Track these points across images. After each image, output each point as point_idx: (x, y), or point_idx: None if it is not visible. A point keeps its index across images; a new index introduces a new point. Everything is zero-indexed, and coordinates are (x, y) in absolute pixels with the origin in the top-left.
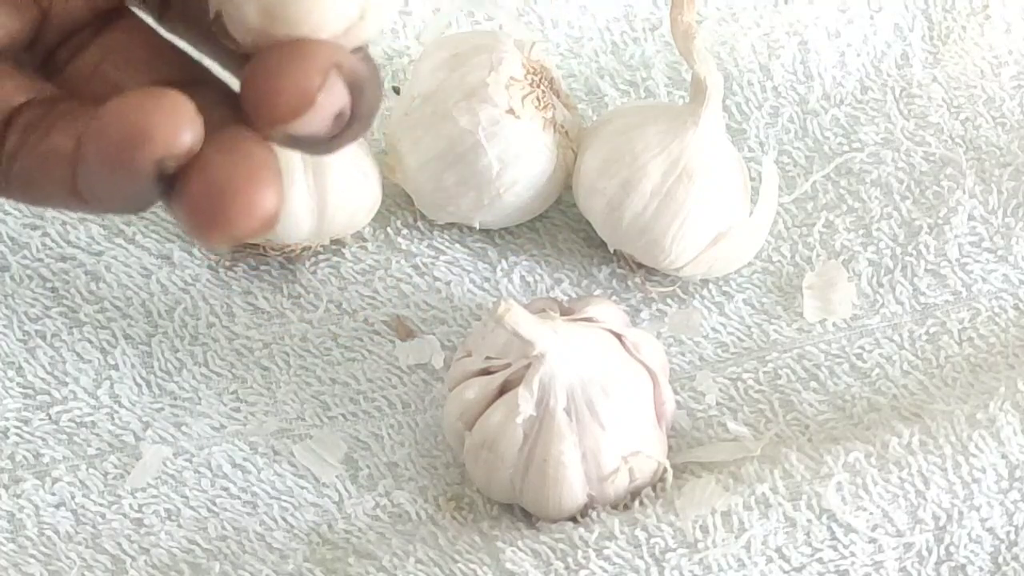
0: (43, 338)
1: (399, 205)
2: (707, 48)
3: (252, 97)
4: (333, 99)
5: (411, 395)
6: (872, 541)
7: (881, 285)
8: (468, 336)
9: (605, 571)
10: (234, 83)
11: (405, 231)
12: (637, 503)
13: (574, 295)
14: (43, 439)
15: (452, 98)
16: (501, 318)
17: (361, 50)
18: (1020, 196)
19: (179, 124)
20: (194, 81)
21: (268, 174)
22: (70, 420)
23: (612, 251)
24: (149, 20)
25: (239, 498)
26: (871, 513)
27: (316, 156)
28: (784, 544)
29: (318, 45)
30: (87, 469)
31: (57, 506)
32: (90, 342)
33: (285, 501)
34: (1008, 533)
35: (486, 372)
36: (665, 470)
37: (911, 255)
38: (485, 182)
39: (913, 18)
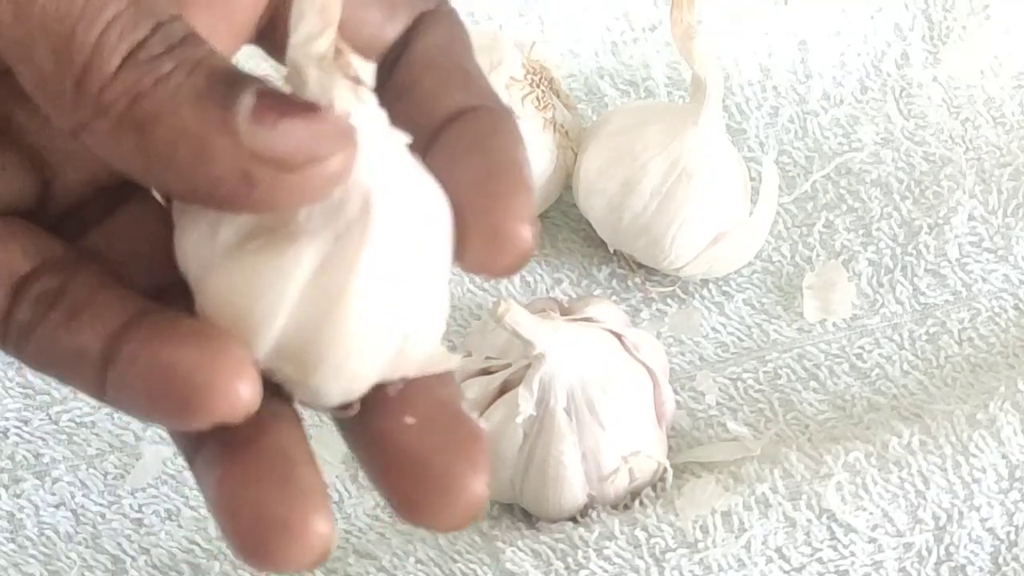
0: None
1: None
2: (707, 48)
3: (471, 251)
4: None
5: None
6: (872, 541)
7: (881, 285)
8: (468, 336)
9: (605, 571)
10: None
11: None
12: (637, 503)
13: (574, 295)
14: (43, 439)
15: None
16: (501, 318)
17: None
18: (1020, 196)
19: (239, 388)
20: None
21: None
22: (70, 420)
23: (612, 251)
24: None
25: None
26: (871, 513)
27: None
28: (784, 544)
29: (518, 194)
30: (87, 469)
31: (57, 506)
32: None
33: None
34: (1008, 533)
35: (486, 372)
36: (665, 470)
37: (911, 255)
38: None
39: (913, 18)
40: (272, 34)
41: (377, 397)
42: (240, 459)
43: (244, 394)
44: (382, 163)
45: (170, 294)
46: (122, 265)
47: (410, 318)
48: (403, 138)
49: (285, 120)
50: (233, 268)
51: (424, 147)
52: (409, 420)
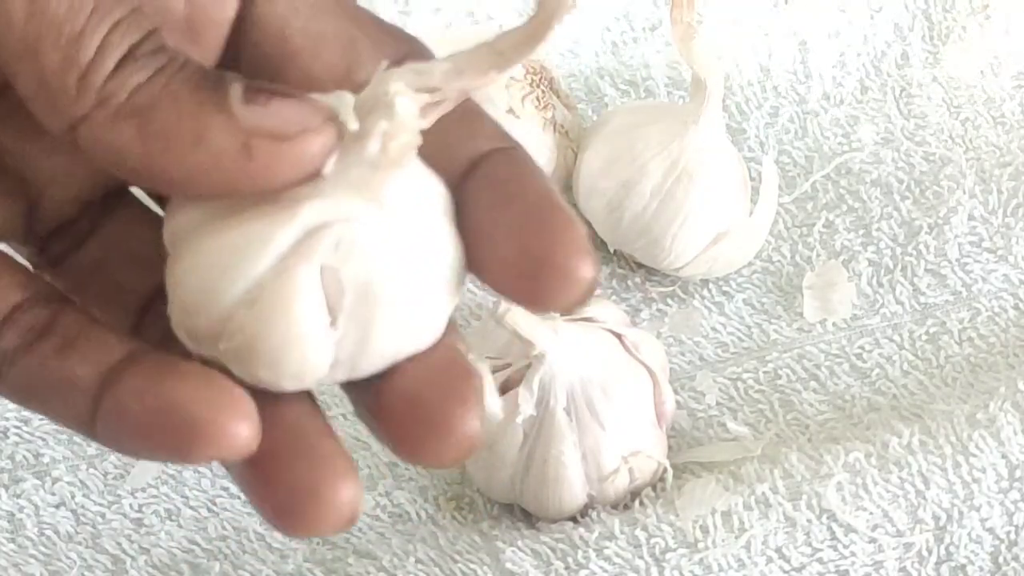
0: None
1: None
2: (707, 48)
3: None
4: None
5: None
6: (872, 541)
7: (881, 285)
8: (468, 336)
9: (605, 571)
10: None
11: None
12: (637, 503)
13: None
14: (43, 439)
15: None
16: (501, 318)
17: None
18: (1020, 196)
19: (239, 427)
20: None
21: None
22: None
23: (612, 251)
24: (152, 204)
25: (239, 498)
26: (871, 513)
27: None
28: (784, 544)
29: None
30: (87, 469)
31: (57, 506)
32: None
33: None
34: (1008, 533)
35: None
36: (665, 470)
37: (911, 255)
38: None
39: (913, 18)
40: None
41: None
42: (264, 437)
43: (244, 433)
44: (390, 184)
45: (163, 299)
46: (122, 272)
47: (367, 327)
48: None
49: (275, 100)
50: (208, 237)
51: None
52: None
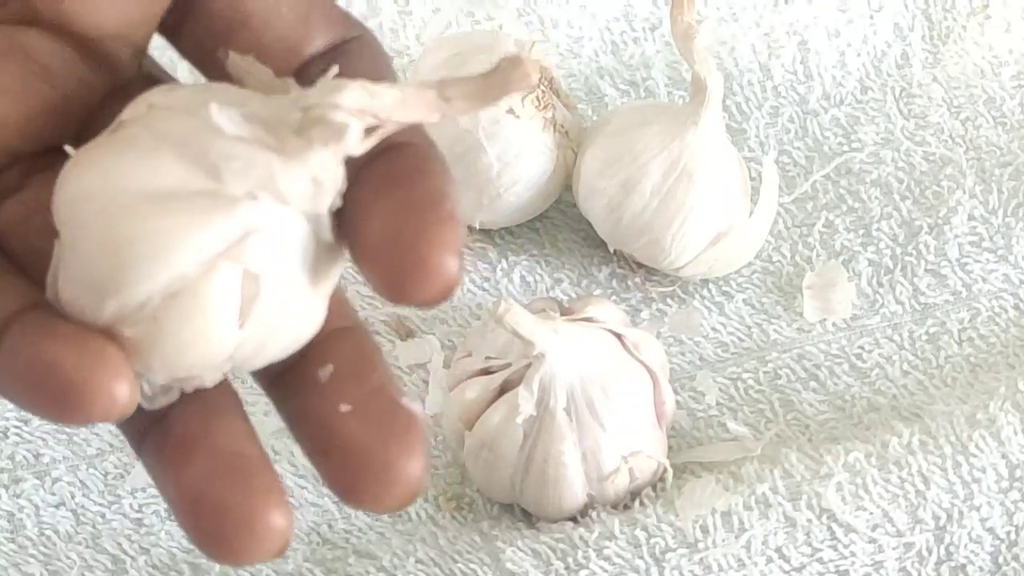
0: None
1: None
2: (707, 48)
3: (393, 282)
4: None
5: (411, 395)
6: (872, 541)
7: (881, 285)
8: (468, 336)
9: (605, 571)
10: None
11: None
12: (637, 503)
13: (574, 295)
14: (43, 439)
15: None
16: (501, 318)
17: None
18: (1020, 196)
19: (117, 388)
20: None
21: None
22: None
23: (612, 251)
24: None
25: None
26: (871, 513)
27: None
28: (784, 544)
29: (445, 228)
30: (87, 469)
31: (57, 506)
32: None
33: None
34: (1008, 533)
35: (486, 372)
36: (665, 470)
37: (911, 255)
38: (485, 182)
39: (913, 18)
40: (179, 30)
41: (308, 380)
42: (196, 457)
43: (120, 396)
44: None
45: None
46: (40, 238)
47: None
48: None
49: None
50: (129, 217)
51: (350, 179)
52: (344, 408)
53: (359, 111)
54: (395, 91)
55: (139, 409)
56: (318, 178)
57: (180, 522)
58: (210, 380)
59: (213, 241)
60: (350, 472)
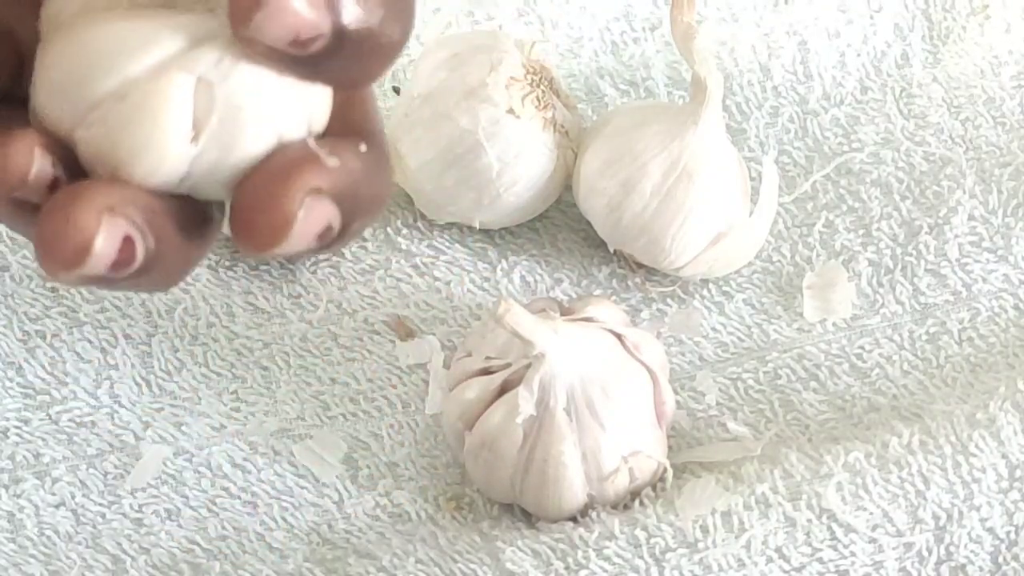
0: (43, 338)
1: (399, 205)
2: (707, 48)
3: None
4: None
5: (411, 395)
6: (872, 541)
7: (881, 285)
8: (468, 336)
9: (605, 571)
10: None
11: (405, 231)
12: (637, 503)
13: (574, 295)
14: (43, 439)
15: (452, 98)
16: (501, 318)
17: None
18: (1020, 196)
19: (28, 161)
20: None
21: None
22: (70, 420)
23: (612, 251)
24: None
25: (239, 498)
26: (871, 513)
27: None
28: (784, 544)
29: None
30: (87, 469)
31: (57, 506)
32: (90, 342)
33: (285, 501)
34: (1008, 533)
35: (486, 372)
36: (665, 470)
37: (911, 255)
38: (485, 182)
39: (913, 18)
40: None
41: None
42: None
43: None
44: None
45: None
46: None
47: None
48: None
49: None
50: (90, 25)
51: None
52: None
53: None
54: None
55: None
56: None
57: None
58: (157, 188)
59: (162, 47)
60: (239, 210)
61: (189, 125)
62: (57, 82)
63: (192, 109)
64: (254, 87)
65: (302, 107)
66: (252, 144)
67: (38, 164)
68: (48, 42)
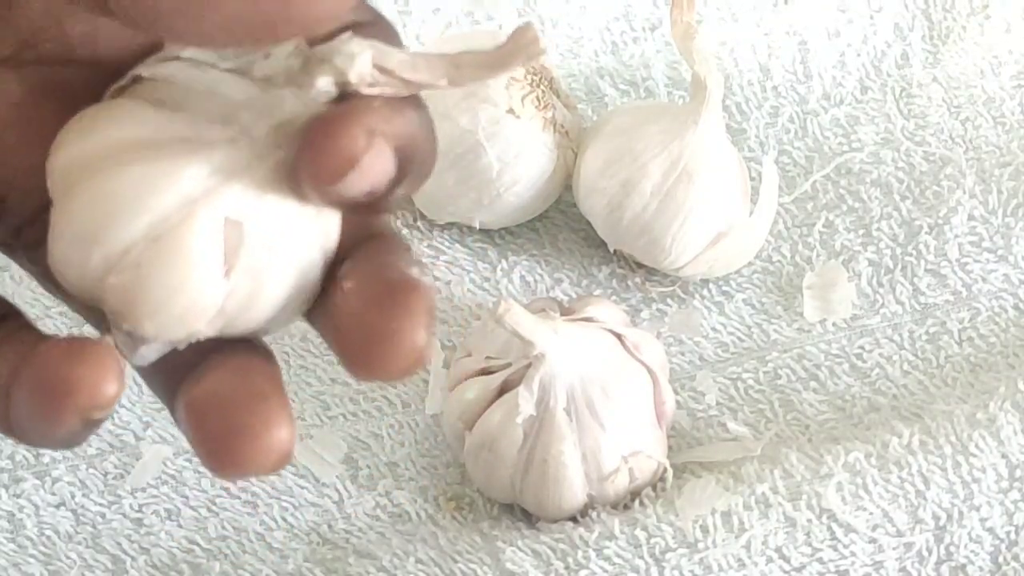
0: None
1: (399, 205)
2: (707, 48)
3: (299, 161)
4: (380, 162)
5: (411, 395)
6: (872, 541)
7: (881, 285)
8: (468, 336)
9: (605, 571)
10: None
11: (405, 231)
12: (637, 503)
13: (574, 295)
14: None
15: (452, 98)
16: (501, 318)
17: (415, 106)
18: (1020, 196)
19: (104, 376)
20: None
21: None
22: None
23: (612, 251)
24: None
25: (239, 498)
26: (871, 513)
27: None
28: (784, 544)
29: (365, 109)
30: (87, 469)
31: (57, 506)
32: None
33: (285, 501)
34: (1008, 533)
35: (486, 372)
36: (665, 470)
37: (911, 255)
38: (485, 182)
39: (913, 18)
40: None
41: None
42: (208, 377)
43: (111, 388)
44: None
45: None
46: None
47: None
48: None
49: None
50: (113, 169)
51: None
52: (348, 285)
53: (367, 63)
54: (404, 54)
55: (170, 371)
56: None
57: (190, 441)
58: (202, 334)
59: (189, 181)
60: (355, 343)
61: (220, 261)
62: (84, 232)
63: (223, 245)
64: (282, 223)
65: (320, 228)
66: (285, 281)
67: (119, 380)
68: (68, 195)
